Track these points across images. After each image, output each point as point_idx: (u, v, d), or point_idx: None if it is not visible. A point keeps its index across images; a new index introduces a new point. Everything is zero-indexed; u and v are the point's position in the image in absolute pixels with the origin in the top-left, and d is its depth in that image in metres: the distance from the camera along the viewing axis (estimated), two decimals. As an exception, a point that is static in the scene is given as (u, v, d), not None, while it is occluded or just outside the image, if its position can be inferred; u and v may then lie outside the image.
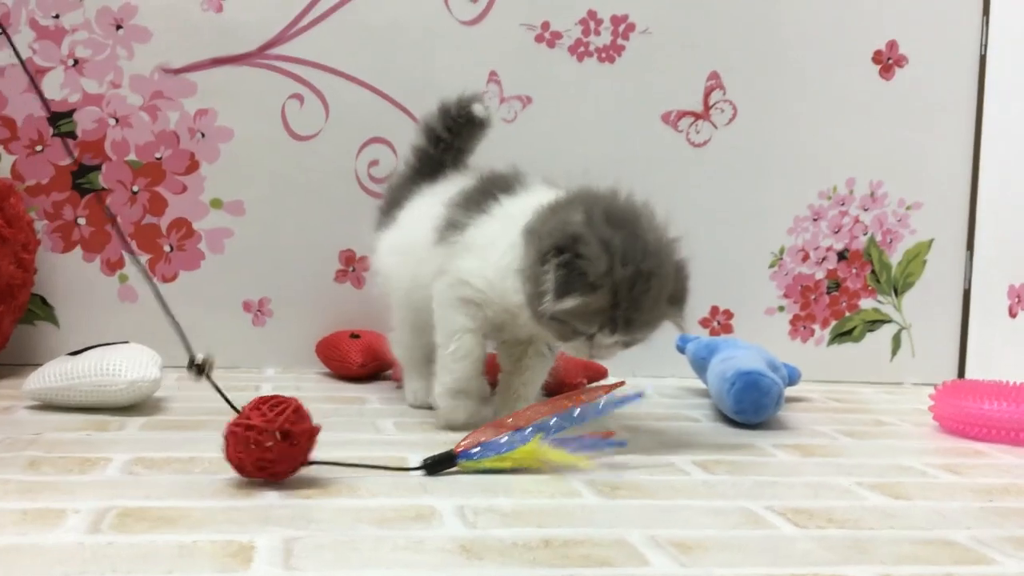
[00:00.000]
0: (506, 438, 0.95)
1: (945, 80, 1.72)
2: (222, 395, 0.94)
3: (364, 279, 1.61)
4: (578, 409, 0.99)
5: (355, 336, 1.53)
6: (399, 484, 0.89)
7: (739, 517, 0.83)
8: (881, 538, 0.79)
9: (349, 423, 1.17)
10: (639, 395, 1.05)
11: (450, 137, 1.30)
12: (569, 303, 0.99)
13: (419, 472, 0.93)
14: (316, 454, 0.89)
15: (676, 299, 1.06)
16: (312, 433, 0.88)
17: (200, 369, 0.96)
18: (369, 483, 0.89)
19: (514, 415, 0.99)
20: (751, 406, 1.23)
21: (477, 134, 1.32)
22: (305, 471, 0.89)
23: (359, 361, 1.49)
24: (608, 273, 0.99)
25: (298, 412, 0.88)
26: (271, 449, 0.85)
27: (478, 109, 1.28)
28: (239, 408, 0.89)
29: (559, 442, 0.97)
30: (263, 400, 0.88)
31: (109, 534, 0.72)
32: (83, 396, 1.16)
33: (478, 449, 0.94)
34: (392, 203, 1.32)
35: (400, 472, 0.93)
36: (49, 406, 1.18)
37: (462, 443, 0.95)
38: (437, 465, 0.94)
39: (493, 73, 1.62)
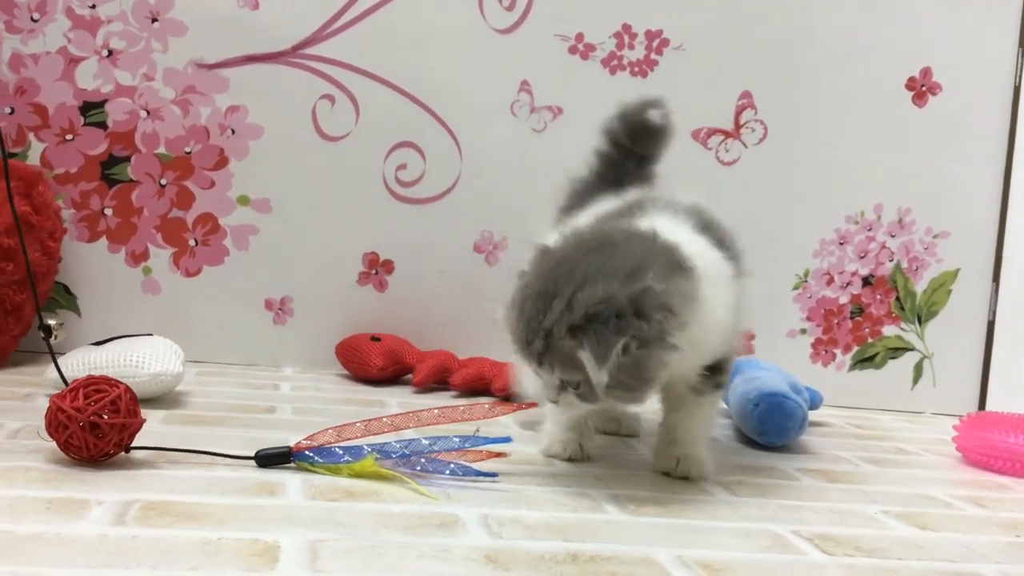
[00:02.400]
0: (341, 451, 0.92)
1: (978, 109, 1.71)
2: (55, 362, 0.99)
3: (387, 283, 1.60)
4: (433, 440, 0.94)
5: (375, 339, 1.53)
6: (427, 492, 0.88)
7: (766, 540, 0.82)
8: (910, 569, 0.78)
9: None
10: (507, 439, 0.97)
11: (629, 143, 1.19)
12: (502, 317, 0.92)
13: (251, 463, 0.92)
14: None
15: (575, 331, 0.86)
16: (126, 427, 0.87)
17: (48, 330, 1.00)
18: (394, 490, 0.88)
19: (368, 422, 0.94)
20: (774, 428, 1.22)
21: (656, 141, 1.19)
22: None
23: (379, 364, 1.49)
24: (520, 290, 0.91)
25: (115, 404, 0.86)
26: (76, 436, 0.85)
27: (653, 115, 1.17)
28: (68, 382, 0.89)
29: (405, 460, 0.93)
30: (89, 382, 0.88)
31: (133, 527, 0.71)
32: (105, 387, 1.16)
33: (312, 454, 0.92)
34: (570, 205, 1.20)
35: (238, 462, 0.91)
36: (70, 395, 1.18)
37: (301, 442, 0.92)
38: (271, 459, 0.92)
39: (525, 82, 1.61)
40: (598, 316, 0.85)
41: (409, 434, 1.00)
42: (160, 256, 1.54)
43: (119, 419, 0.86)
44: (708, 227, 0.99)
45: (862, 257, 1.72)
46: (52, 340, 1.05)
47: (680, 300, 0.88)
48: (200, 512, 0.76)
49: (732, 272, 0.99)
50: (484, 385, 1.44)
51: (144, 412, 1.11)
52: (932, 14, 1.69)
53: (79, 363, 1.16)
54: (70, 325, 1.51)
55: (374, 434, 0.95)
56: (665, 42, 1.63)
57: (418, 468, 0.93)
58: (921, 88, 1.70)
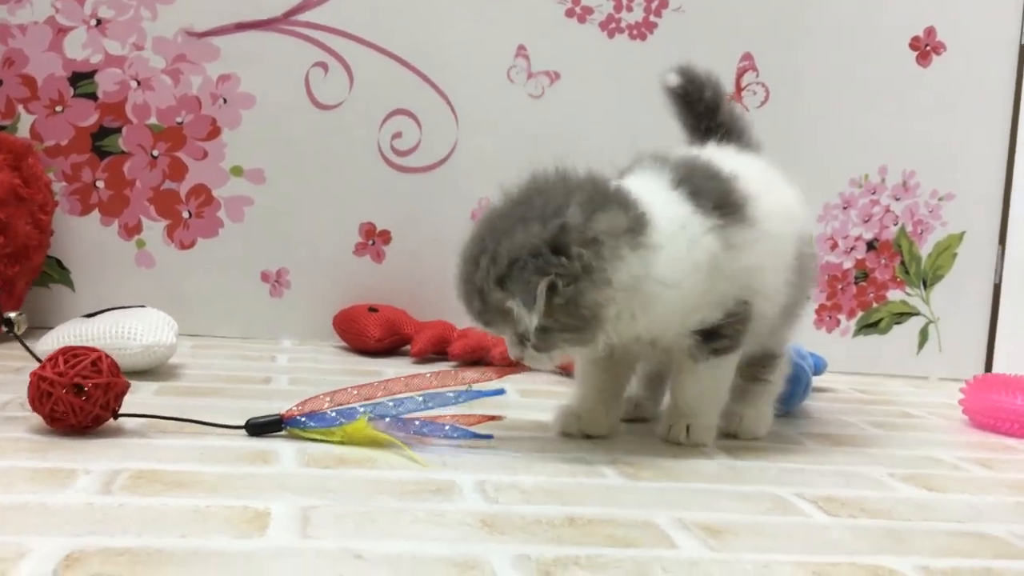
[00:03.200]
0: (334, 413, 0.90)
1: (983, 70, 1.68)
2: (24, 346, 0.99)
3: (384, 253, 1.58)
4: (427, 396, 0.93)
5: (373, 310, 1.51)
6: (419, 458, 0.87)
7: (768, 503, 0.81)
8: (917, 530, 0.77)
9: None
10: (501, 391, 0.97)
11: (681, 107, 1.14)
12: None
13: (241, 431, 0.90)
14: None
15: (502, 282, 0.86)
16: (112, 387, 0.86)
17: (8, 323, 1.01)
18: (389, 457, 0.86)
19: (361, 387, 0.93)
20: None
21: (687, 106, 1.12)
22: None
23: (376, 335, 1.47)
24: (459, 256, 0.91)
25: (96, 365, 0.86)
26: (61, 401, 0.84)
27: (668, 79, 1.12)
28: (40, 359, 0.89)
29: (400, 424, 0.91)
30: (64, 351, 0.87)
31: (120, 495, 0.70)
32: (97, 359, 1.14)
33: (304, 419, 0.90)
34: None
35: (231, 432, 0.90)
36: (62, 368, 1.16)
37: (291, 409, 0.91)
38: (262, 427, 0.90)
39: (521, 47, 1.59)
40: (518, 261, 0.85)
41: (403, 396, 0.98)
42: (154, 229, 1.52)
43: (102, 379, 0.85)
44: (688, 182, 0.93)
45: (866, 221, 1.69)
46: (17, 332, 1.04)
47: (609, 234, 0.86)
48: (190, 480, 0.75)
49: (705, 227, 0.91)
50: (484, 354, 1.42)
51: (136, 384, 1.10)
52: (936, -28, 1.66)
53: (70, 335, 1.15)
54: (63, 299, 1.49)
55: (367, 399, 0.93)
56: (664, 3, 1.60)
57: (412, 431, 0.91)
58: (925, 48, 1.67)
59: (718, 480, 0.87)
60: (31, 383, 0.85)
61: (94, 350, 0.87)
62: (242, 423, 0.90)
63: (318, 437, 0.90)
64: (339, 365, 1.37)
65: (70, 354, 0.86)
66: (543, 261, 0.84)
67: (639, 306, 0.89)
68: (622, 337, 0.91)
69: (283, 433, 0.91)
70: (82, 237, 1.51)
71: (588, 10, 1.59)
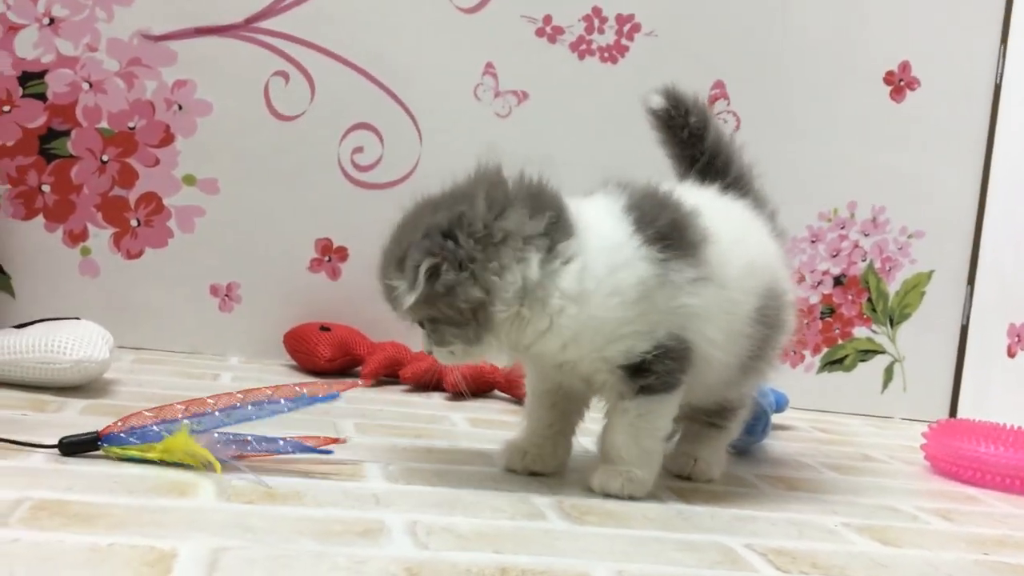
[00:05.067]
0: (157, 426, 0.85)
1: (958, 107, 1.66)
2: None
3: (340, 270, 1.54)
4: (258, 405, 0.87)
5: (325, 329, 1.46)
6: (350, 493, 0.82)
7: (716, 554, 0.76)
8: (869, 589, 0.73)
9: (306, 421, 1.09)
10: (336, 395, 0.92)
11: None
12: None
13: (54, 451, 0.84)
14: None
15: (401, 263, 0.85)
16: None
17: None
18: (317, 491, 0.81)
19: (189, 403, 0.87)
20: (735, 432, 1.16)
21: (670, 132, 1.06)
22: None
23: (327, 355, 1.42)
24: None
25: None
26: None
27: (651, 100, 1.06)
28: None
29: (232, 442, 0.85)
30: None
31: (16, 529, 0.64)
32: (25, 372, 1.09)
33: (124, 435, 0.85)
34: None
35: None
36: (-13, 381, 1.11)
37: (111, 425, 0.85)
38: (76, 446, 0.84)
39: (489, 65, 1.55)
40: (412, 243, 0.84)
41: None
42: (100, 236, 1.47)
43: None
44: (638, 208, 0.88)
45: (834, 256, 1.66)
46: None
47: (514, 233, 0.83)
48: (97, 513, 0.69)
49: (640, 255, 0.85)
50: (436, 379, 1.38)
51: (63, 401, 1.05)
52: (913, 6, 1.64)
53: (-3, 347, 1.09)
54: (3, 305, 1.43)
55: (195, 415, 0.87)
56: (636, 27, 1.57)
57: (248, 449, 0.85)
58: (899, 83, 1.65)
59: (666, 527, 0.83)
60: None
61: None
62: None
63: (135, 454, 0.84)
64: (285, 386, 1.32)
65: None
66: (431, 243, 0.83)
67: (537, 317, 0.85)
68: (519, 350, 0.88)
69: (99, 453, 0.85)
70: (25, 242, 1.45)
71: (559, 30, 1.56)
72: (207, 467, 0.82)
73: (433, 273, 0.83)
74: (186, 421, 0.84)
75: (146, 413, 0.86)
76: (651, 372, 0.87)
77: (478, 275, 0.83)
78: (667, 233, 0.87)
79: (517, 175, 0.88)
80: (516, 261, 0.84)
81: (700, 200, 0.93)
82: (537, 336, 0.86)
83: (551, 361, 0.89)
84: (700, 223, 0.90)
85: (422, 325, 0.89)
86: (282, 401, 0.88)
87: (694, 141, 1.05)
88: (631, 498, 0.89)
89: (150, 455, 0.84)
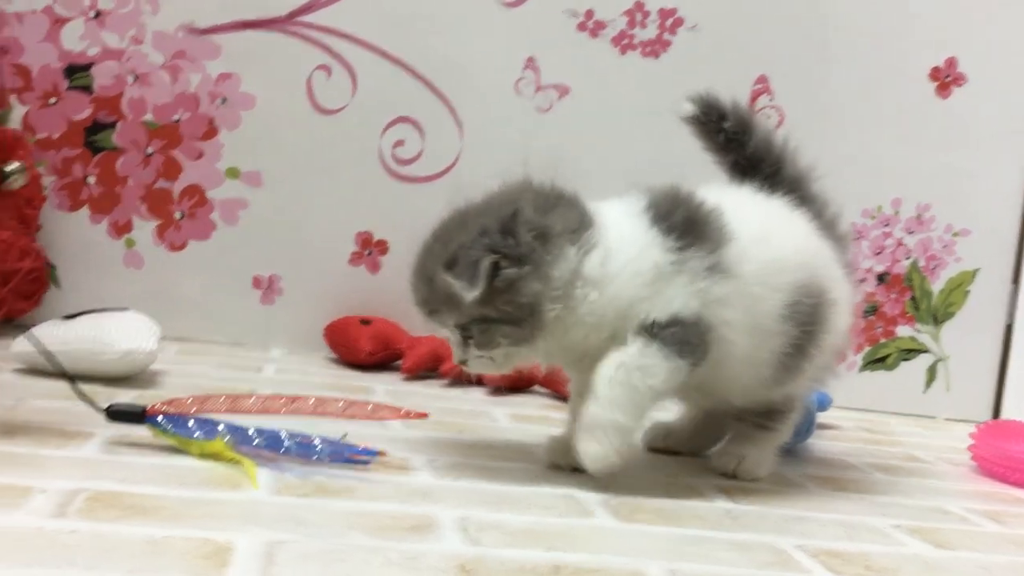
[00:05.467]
0: (193, 424, 0.85)
1: (1005, 103, 1.64)
2: None
3: (380, 263, 1.54)
4: (294, 438, 0.86)
5: (366, 322, 1.46)
6: (400, 487, 0.82)
7: (767, 555, 0.76)
8: (925, 593, 0.72)
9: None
10: (373, 453, 0.87)
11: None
12: None
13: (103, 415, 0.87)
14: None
15: (451, 264, 0.84)
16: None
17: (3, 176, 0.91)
18: (367, 485, 0.82)
19: (234, 399, 0.88)
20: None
21: (706, 138, 1.06)
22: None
23: (368, 349, 1.42)
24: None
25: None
26: None
27: (683, 108, 1.06)
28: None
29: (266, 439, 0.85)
30: None
31: (74, 519, 0.65)
32: (74, 363, 1.09)
33: (164, 420, 0.86)
34: None
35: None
36: (37, 371, 1.12)
37: (158, 405, 0.87)
38: (122, 415, 0.87)
39: (531, 59, 1.54)
40: (466, 243, 0.84)
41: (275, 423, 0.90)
42: (144, 228, 1.48)
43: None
44: (656, 206, 0.89)
45: (878, 253, 1.64)
46: (10, 184, 0.97)
47: (557, 229, 0.85)
48: (151, 505, 0.70)
49: (659, 244, 0.87)
50: (477, 375, 1.37)
51: (112, 391, 1.06)
52: (960, 1, 1.62)
53: (47, 337, 1.10)
54: (48, 296, 1.45)
55: (237, 412, 0.87)
56: (679, 21, 1.56)
57: (282, 452, 0.85)
58: (945, 79, 1.63)
59: (716, 526, 0.82)
60: None
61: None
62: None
63: (174, 443, 0.85)
64: (327, 379, 1.33)
65: None
66: (490, 240, 0.84)
67: (570, 311, 0.86)
68: (561, 349, 0.88)
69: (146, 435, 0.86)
70: (70, 234, 1.46)
71: (601, 25, 1.55)
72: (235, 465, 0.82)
73: (494, 269, 0.83)
74: (223, 427, 0.85)
75: (189, 401, 0.87)
76: (665, 329, 0.86)
77: (539, 271, 0.84)
78: (682, 227, 0.88)
79: (540, 182, 0.91)
80: (561, 257, 0.85)
81: (726, 199, 0.93)
82: (568, 328, 0.87)
83: (576, 353, 0.90)
84: (720, 221, 0.90)
85: (464, 330, 0.88)
86: (317, 444, 0.86)
87: (733, 146, 1.05)
88: (592, 456, 0.86)
89: (189, 450, 0.84)
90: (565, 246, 0.86)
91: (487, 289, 0.83)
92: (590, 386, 0.87)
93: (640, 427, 0.90)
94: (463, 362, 0.90)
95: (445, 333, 0.91)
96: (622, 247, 0.87)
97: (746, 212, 0.93)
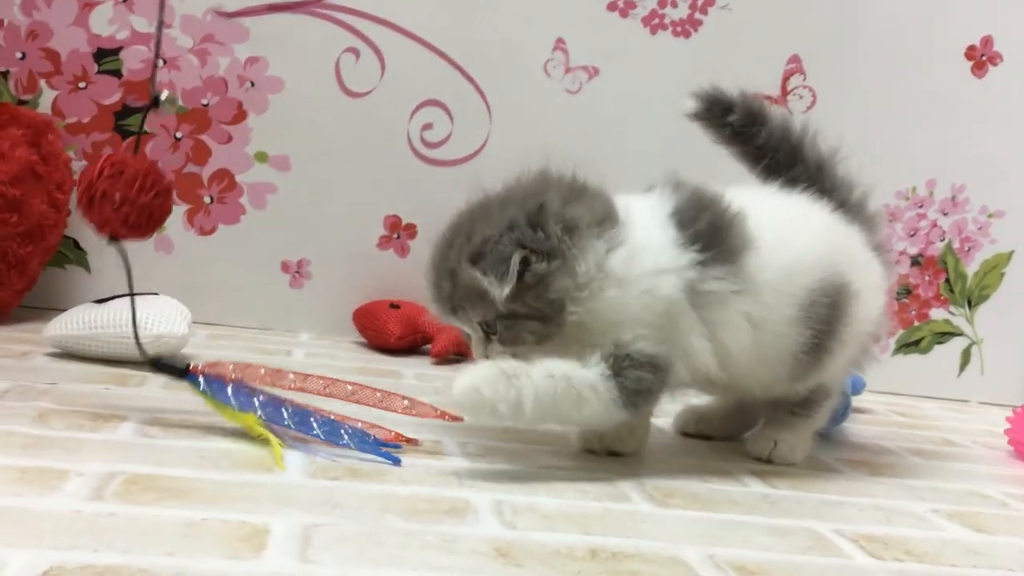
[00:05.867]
0: (231, 392, 0.85)
1: (1042, 82, 1.61)
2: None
3: (409, 247, 1.53)
4: (323, 425, 0.85)
5: (395, 306, 1.46)
6: (432, 471, 0.82)
7: (806, 540, 0.75)
8: (967, 579, 0.71)
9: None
10: (397, 460, 0.83)
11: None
12: None
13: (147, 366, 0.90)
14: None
15: (476, 259, 0.82)
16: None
17: (157, 102, 0.93)
18: (401, 470, 0.81)
19: (274, 372, 0.89)
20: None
21: (714, 133, 1.07)
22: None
23: (397, 333, 1.42)
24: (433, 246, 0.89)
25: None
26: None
27: (685, 105, 1.06)
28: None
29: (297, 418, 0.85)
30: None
31: (111, 502, 0.65)
32: (106, 347, 1.10)
33: (204, 381, 0.87)
34: None
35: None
36: (70, 355, 1.12)
37: (201, 366, 0.88)
38: (166, 368, 0.89)
39: (560, 40, 1.53)
40: (492, 236, 0.82)
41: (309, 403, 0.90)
42: (174, 213, 1.47)
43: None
44: (679, 214, 0.87)
45: (912, 235, 1.62)
46: (157, 111, 0.99)
47: (583, 221, 0.83)
48: (187, 488, 0.70)
49: (679, 260, 0.85)
50: (506, 358, 1.37)
51: (144, 375, 1.06)
52: (997, -22, 1.59)
53: (79, 322, 1.11)
54: (79, 281, 1.45)
55: (273, 386, 0.88)
56: (710, 1, 1.54)
57: (311, 434, 0.85)
58: (981, 58, 1.60)
59: (753, 511, 0.81)
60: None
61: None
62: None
63: (210, 406, 0.86)
64: (356, 363, 1.32)
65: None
66: (519, 234, 0.81)
67: (589, 311, 0.83)
68: (575, 344, 0.85)
69: (290, 440, 0.85)
70: (100, 218, 1.46)
71: (631, 4, 1.53)
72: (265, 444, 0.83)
73: (522, 264, 0.81)
74: (258, 409, 0.85)
75: (230, 366, 0.88)
76: (634, 371, 0.83)
77: (567, 265, 0.82)
78: (707, 240, 0.86)
79: (562, 173, 0.88)
80: (587, 249, 0.83)
81: (748, 201, 0.91)
82: (584, 323, 0.84)
83: (588, 346, 0.86)
84: (742, 228, 0.88)
85: (487, 326, 0.86)
86: (344, 435, 0.85)
87: (742, 139, 1.05)
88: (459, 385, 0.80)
89: (224, 414, 0.85)
90: (591, 239, 0.83)
91: (516, 285, 0.81)
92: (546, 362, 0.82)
93: (524, 426, 0.84)
94: (484, 358, 0.87)
95: (465, 329, 0.88)
96: (645, 255, 0.85)
97: (765, 215, 0.91)
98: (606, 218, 0.85)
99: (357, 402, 0.90)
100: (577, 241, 0.82)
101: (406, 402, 0.91)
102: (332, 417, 0.87)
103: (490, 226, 0.83)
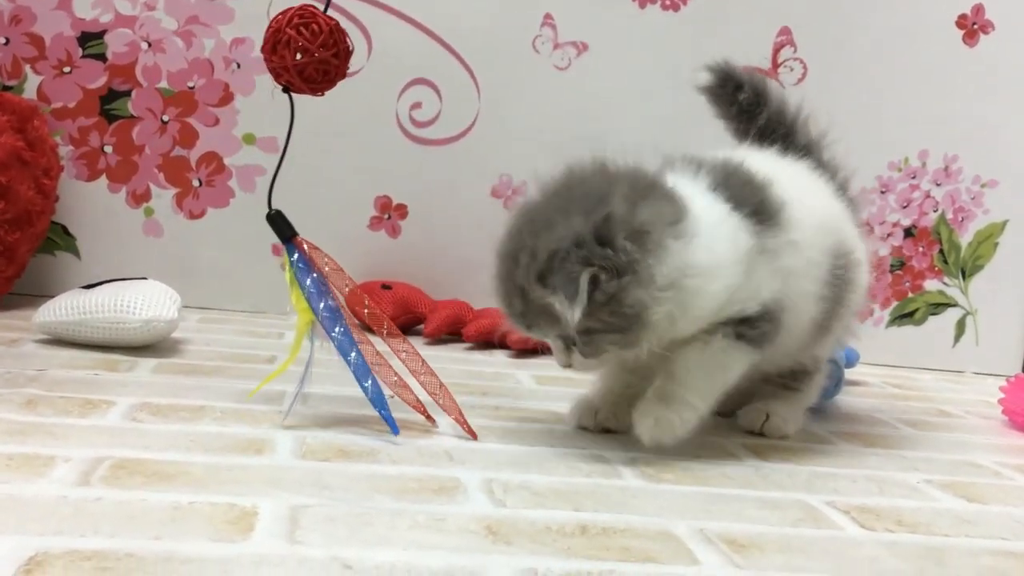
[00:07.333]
0: (311, 283, 0.89)
1: (1034, 50, 1.60)
2: None
3: (400, 228, 1.53)
4: (355, 364, 0.86)
5: (386, 287, 1.45)
6: (423, 451, 0.81)
7: (798, 512, 0.75)
8: (959, 548, 0.71)
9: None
10: (396, 431, 0.85)
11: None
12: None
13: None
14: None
15: (543, 277, 0.79)
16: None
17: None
18: (390, 448, 0.81)
19: (353, 292, 0.92)
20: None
21: (721, 107, 1.07)
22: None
23: (389, 313, 1.41)
24: (496, 256, 0.85)
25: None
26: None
27: (698, 77, 1.06)
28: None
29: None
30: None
31: (98, 487, 0.64)
32: (95, 333, 1.10)
33: (297, 259, 0.91)
34: None
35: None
36: (59, 341, 1.12)
37: (304, 241, 0.92)
38: (278, 226, 0.94)
39: (548, 16, 1.52)
40: (559, 252, 0.78)
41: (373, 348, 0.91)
42: (162, 197, 1.47)
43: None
44: (725, 187, 0.86)
45: (905, 207, 1.62)
46: None
47: (654, 224, 0.79)
48: (175, 472, 0.69)
49: (744, 228, 0.84)
50: (501, 338, 1.37)
51: (134, 360, 1.06)
52: (988, -55, 1.57)
53: (67, 307, 1.10)
54: (69, 267, 1.45)
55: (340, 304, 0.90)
56: (699, -26, 1.53)
57: (346, 360, 0.86)
58: (972, 27, 1.59)
59: (745, 484, 0.81)
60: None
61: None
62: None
63: (287, 281, 0.91)
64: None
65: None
66: (587, 252, 0.77)
67: (679, 305, 0.81)
68: (663, 341, 0.83)
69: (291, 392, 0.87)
70: (89, 203, 1.46)
71: (619, -22, 1.52)
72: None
73: (592, 283, 0.77)
74: (324, 304, 0.88)
75: (327, 266, 0.91)
76: (751, 323, 0.85)
77: (641, 278, 0.78)
78: (756, 206, 0.86)
79: (622, 164, 0.85)
80: (663, 251, 0.79)
81: (768, 167, 0.91)
82: (675, 322, 0.82)
83: (665, 339, 0.84)
84: (773, 190, 0.88)
85: (566, 339, 0.83)
86: (368, 384, 0.86)
87: (746, 116, 1.05)
88: (659, 442, 0.85)
89: (291, 292, 0.90)
90: (667, 240, 0.79)
91: (588, 304, 0.77)
92: (674, 360, 0.85)
93: (709, 412, 0.87)
94: (567, 366, 0.86)
95: (545, 340, 0.86)
96: (718, 233, 0.83)
97: (784, 178, 0.91)
98: (676, 214, 0.81)
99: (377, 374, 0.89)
100: (652, 248, 0.79)
101: (395, 378, 0.90)
102: (375, 362, 0.88)
103: (554, 239, 0.79)
